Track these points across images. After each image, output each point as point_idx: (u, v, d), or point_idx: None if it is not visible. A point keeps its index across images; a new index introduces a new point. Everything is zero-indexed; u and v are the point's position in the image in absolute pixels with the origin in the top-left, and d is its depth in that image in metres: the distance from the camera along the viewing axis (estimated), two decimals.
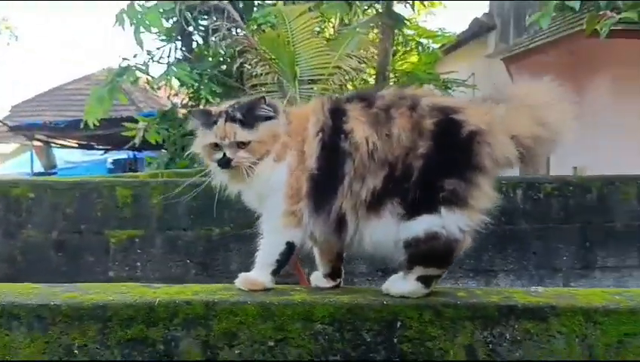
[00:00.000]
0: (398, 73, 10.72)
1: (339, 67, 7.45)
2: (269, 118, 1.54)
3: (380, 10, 8.51)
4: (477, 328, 1.43)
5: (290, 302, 1.40)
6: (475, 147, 1.40)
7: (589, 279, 4.27)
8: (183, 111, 8.38)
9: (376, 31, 8.83)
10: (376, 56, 8.79)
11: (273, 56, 6.77)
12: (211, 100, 8.03)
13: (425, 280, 1.47)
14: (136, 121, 7.97)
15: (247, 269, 4.15)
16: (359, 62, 7.80)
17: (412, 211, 1.40)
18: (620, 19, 5.87)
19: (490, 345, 1.44)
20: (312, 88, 7.07)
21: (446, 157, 1.40)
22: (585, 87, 8.97)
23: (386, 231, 1.42)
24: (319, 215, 1.47)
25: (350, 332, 1.41)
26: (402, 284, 1.48)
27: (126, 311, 1.37)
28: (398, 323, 1.41)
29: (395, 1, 8.82)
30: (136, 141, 7.72)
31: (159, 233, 4.06)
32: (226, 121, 1.53)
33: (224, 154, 1.52)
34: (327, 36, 8.85)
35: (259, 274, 1.53)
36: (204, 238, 4.19)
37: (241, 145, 1.52)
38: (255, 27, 7.58)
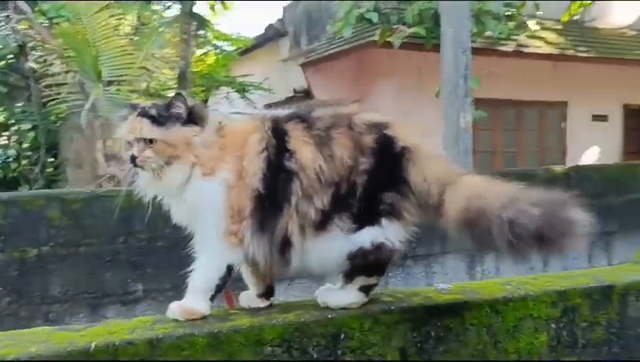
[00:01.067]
0: (195, 75, 10.57)
1: (144, 67, 7.12)
2: (190, 123, 1.44)
3: (183, 11, 8.29)
4: (408, 330, 1.52)
5: (238, 327, 1.33)
6: (405, 163, 1.47)
7: (405, 268, 4.75)
8: None
9: (176, 32, 8.58)
10: (176, 58, 8.56)
11: (72, 54, 6.18)
12: None
13: (366, 290, 1.51)
14: None
15: (70, 293, 3.77)
16: (164, 62, 7.55)
17: (356, 224, 1.43)
18: (411, 33, 6.63)
19: (419, 344, 1.54)
20: (117, 90, 6.63)
21: (384, 172, 1.46)
22: (372, 93, 9.87)
23: (335, 247, 1.43)
24: (263, 235, 1.42)
25: (297, 350, 1.38)
26: (343, 296, 1.50)
27: None
28: (342, 335, 1.43)
29: (195, 1, 8.66)
30: None
31: None
32: (138, 115, 1.43)
33: (132, 151, 1.42)
34: (125, 34, 8.35)
35: (196, 301, 1.42)
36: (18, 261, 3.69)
37: (148, 142, 1.41)
38: (46, 21, 6.82)
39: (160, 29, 7.68)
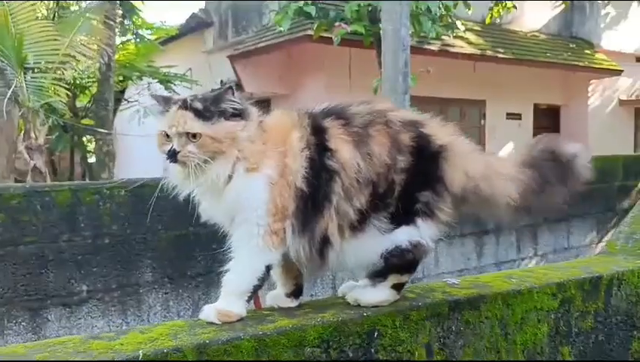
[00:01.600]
0: (117, 64, 10.12)
1: (69, 55, 6.71)
2: (235, 116, 1.37)
3: None
4: (433, 325, 1.53)
5: (282, 329, 1.28)
6: (441, 162, 1.48)
7: None
8: None
9: (101, 19, 8.16)
10: (100, 46, 8.14)
11: None
12: None
13: (398, 287, 1.51)
14: None
15: (9, 295, 3.56)
16: (90, 50, 7.17)
17: (393, 224, 1.42)
18: (350, 31, 6.69)
19: (442, 339, 1.55)
20: (42, 78, 6.22)
21: (421, 170, 1.45)
22: (301, 87, 9.89)
23: (372, 246, 1.41)
24: (304, 235, 1.37)
25: (335, 350, 1.36)
26: (376, 293, 1.48)
27: None
28: (376, 333, 1.42)
29: None
30: None
31: None
32: (179, 108, 1.34)
33: (172, 146, 1.33)
34: (43, 17, 7.81)
35: (233, 303, 1.34)
36: None
37: (191, 137, 1.33)
38: None
39: (87, 15, 7.25)
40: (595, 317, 1.92)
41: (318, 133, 1.42)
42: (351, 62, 8.97)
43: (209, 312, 1.34)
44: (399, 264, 1.45)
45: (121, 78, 10.94)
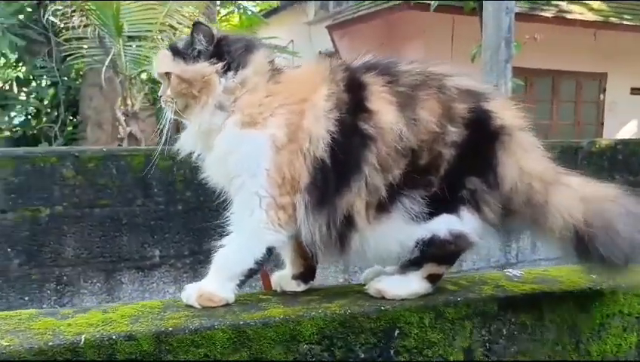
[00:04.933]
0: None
1: (166, 24, 6.80)
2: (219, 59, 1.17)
3: None
4: (475, 327, 1.23)
5: (269, 320, 1.05)
6: (498, 146, 1.18)
7: None
8: None
9: None
10: (200, 15, 8.21)
11: (93, 7, 5.88)
12: (9, 55, 6.82)
13: (433, 279, 1.23)
14: None
15: (84, 255, 3.47)
16: (188, 19, 7.22)
17: (432, 208, 1.14)
18: None
19: (488, 344, 1.25)
20: (139, 46, 6.34)
21: (474, 150, 1.17)
22: (400, 54, 9.44)
23: (403, 232, 1.15)
24: (321, 214, 1.13)
25: (341, 349, 1.11)
26: (406, 284, 1.21)
27: (35, 360, 0.89)
28: (396, 332, 1.15)
29: None
30: None
31: None
32: (165, 49, 1.25)
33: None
34: None
35: (220, 286, 1.13)
36: (30, 221, 3.48)
37: (168, 78, 1.20)
38: None
39: None
40: None
41: (355, 89, 1.16)
42: (454, 30, 8.43)
43: (190, 293, 1.13)
44: (438, 254, 1.18)
45: None
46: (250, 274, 1.16)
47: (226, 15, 11.21)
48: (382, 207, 1.14)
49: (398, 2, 8.19)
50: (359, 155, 1.12)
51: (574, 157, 4.37)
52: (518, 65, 7.56)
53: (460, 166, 1.16)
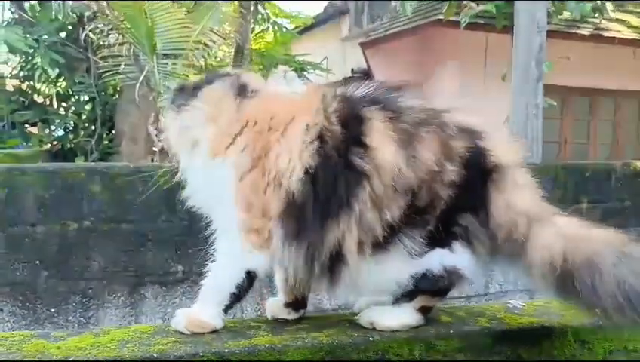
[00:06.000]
0: (253, 52, 10.40)
1: (200, 42, 6.94)
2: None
3: None
4: (469, 360, 1.21)
5: (254, 348, 1.06)
6: (490, 185, 1.19)
7: None
8: (14, 82, 7.28)
9: (235, 6, 8.39)
10: (233, 33, 8.35)
11: (128, 26, 6.06)
12: (50, 71, 7.06)
13: (425, 311, 1.24)
14: None
15: (110, 269, 3.52)
16: (221, 37, 7.36)
17: (427, 244, 1.15)
18: (480, 11, 6.17)
19: None
20: (174, 64, 6.50)
21: (468, 188, 1.17)
22: (434, 74, 9.42)
23: (397, 269, 1.16)
24: (300, 245, 1.13)
25: None
26: (398, 316, 1.21)
27: None
28: None
29: None
30: None
31: None
32: None
33: None
34: (184, 7, 8.23)
35: (206, 312, 1.16)
36: (58, 235, 3.58)
37: None
38: None
39: (218, 3, 7.47)
40: None
41: (352, 123, 1.15)
42: (487, 48, 8.36)
43: (179, 319, 1.16)
44: (431, 288, 1.19)
45: (260, 67, 11.28)
46: (234, 299, 1.17)
47: (260, 32, 11.38)
48: (379, 245, 1.14)
49: (431, 20, 8.16)
50: (350, 191, 1.12)
51: (607, 180, 4.25)
52: (554, 83, 7.46)
53: (456, 204, 1.16)
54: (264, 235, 1.15)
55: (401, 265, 1.15)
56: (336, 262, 1.14)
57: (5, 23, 7.03)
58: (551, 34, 6.31)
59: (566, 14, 6.11)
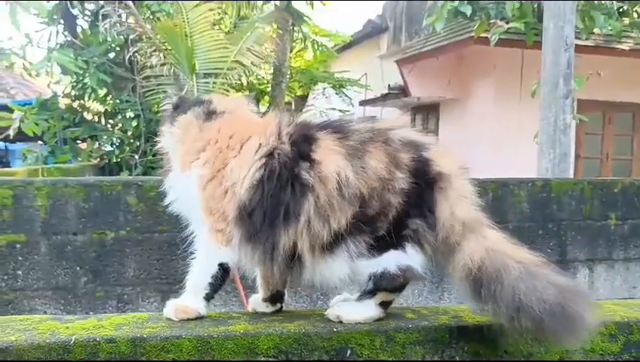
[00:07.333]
0: (293, 70, 10.68)
1: (238, 62, 7.24)
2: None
3: (279, 6, 8.37)
4: (428, 352, 1.36)
5: (230, 333, 1.24)
6: (436, 192, 1.33)
7: None
8: (66, 101, 7.76)
9: (273, 27, 8.69)
10: (272, 52, 8.64)
11: (169, 47, 6.41)
12: (98, 91, 7.49)
13: (385, 305, 1.39)
14: (11, 110, 7.24)
15: (143, 276, 3.80)
16: (258, 57, 7.64)
17: (378, 248, 1.30)
18: (508, 28, 6.23)
19: None
20: (213, 83, 6.80)
21: (415, 196, 1.31)
22: (469, 91, 9.46)
23: (339, 270, 1.31)
24: (256, 247, 1.32)
25: None
26: (360, 309, 1.37)
27: (34, 353, 1.13)
28: (349, 352, 1.30)
29: None
30: (11, 132, 7.01)
31: (44, 238, 3.68)
32: None
33: None
34: (225, 29, 8.58)
35: (190, 300, 1.36)
36: (97, 243, 3.86)
37: None
38: (149, 15, 7.14)
39: (256, 24, 7.77)
40: None
41: (302, 143, 1.33)
42: (523, 64, 8.37)
43: (169, 308, 1.36)
44: (389, 285, 1.33)
45: (301, 84, 11.57)
46: (213, 288, 1.36)
47: (299, 51, 11.66)
48: (325, 249, 1.30)
49: (463, 38, 8.24)
50: (296, 202, 1.28)
51: (636, 196, 4.25)
52: (595, 98, 7.40)
53: (406, 210, 1.30)
54: (227, 236, 1.34)
55: (352, 265, 1.30)
56: (296, 261, 1.31)
57: (58, 45, 7.52)
58: (589, 49, 6.31)
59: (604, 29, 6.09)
